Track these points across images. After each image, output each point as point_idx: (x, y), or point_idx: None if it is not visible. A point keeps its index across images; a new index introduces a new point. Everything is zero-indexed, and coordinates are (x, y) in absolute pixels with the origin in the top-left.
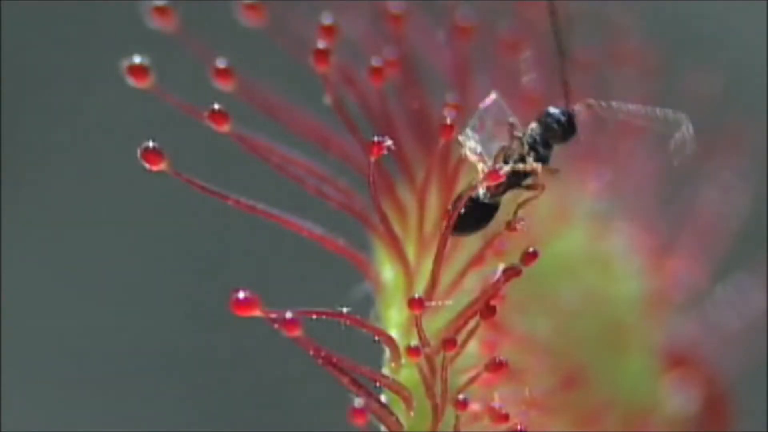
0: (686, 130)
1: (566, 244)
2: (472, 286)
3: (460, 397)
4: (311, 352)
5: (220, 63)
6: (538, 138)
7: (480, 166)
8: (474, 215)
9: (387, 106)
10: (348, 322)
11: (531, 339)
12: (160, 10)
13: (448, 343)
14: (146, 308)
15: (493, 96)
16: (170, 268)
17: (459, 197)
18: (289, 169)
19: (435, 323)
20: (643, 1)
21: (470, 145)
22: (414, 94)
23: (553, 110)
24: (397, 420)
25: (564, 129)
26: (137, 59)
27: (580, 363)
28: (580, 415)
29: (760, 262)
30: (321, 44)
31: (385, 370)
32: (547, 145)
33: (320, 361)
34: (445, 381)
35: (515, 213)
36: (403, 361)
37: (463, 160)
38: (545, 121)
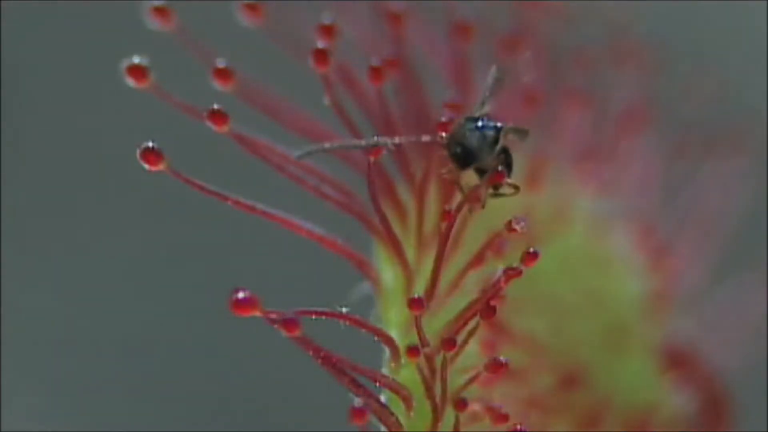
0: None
1: (566, 244)
2: (472, 286)
3: (460, 397)
4: (311, 352)
5: (220, 63)
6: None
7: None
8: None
9: (387, 106)
10: (348, 322)
11: (531, 339)
12: (160, 10)
13: (448, 343)
14: (146, 309)
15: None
16: (170, 268)
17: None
18: (289, 169)
19: (435, 323)
20: (644, 1)
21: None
22: (414, 94)
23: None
24: (397, 420)
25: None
26: (137, 59)
27: (580, 363)
28: (580, 415)
29: (760, 262)
30: (321, 44)
31: (385, 370)
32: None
33: (320, 361)
34: (444, 381)
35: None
36: (402, 361)
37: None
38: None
